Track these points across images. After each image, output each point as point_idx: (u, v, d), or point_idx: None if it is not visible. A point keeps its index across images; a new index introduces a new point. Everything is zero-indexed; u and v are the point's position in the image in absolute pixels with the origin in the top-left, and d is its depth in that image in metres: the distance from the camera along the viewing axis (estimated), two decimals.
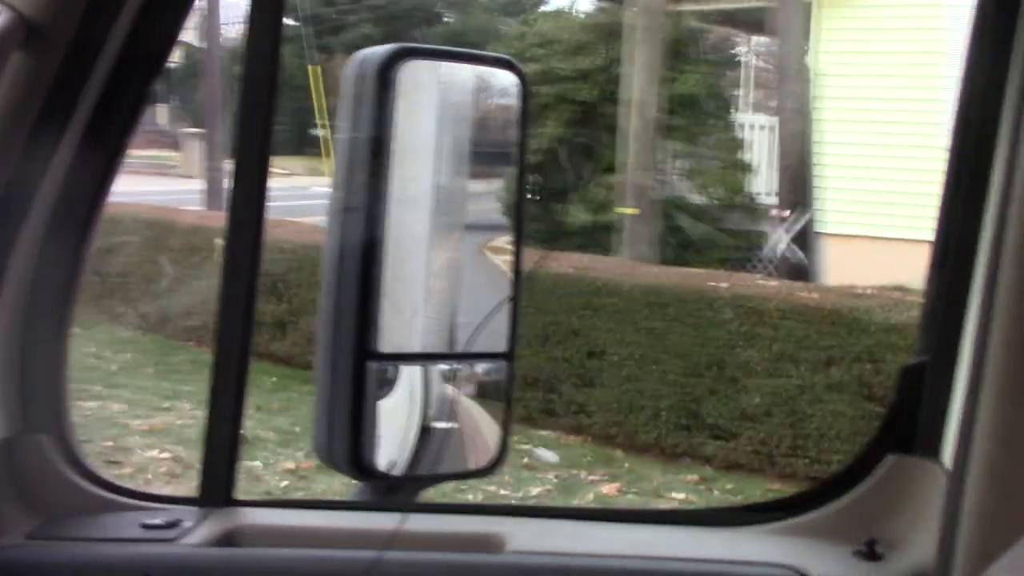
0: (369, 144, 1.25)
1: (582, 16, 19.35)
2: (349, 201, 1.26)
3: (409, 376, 1.32)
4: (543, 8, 28.57)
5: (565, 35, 16.90)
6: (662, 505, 7.56)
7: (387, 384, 1.30)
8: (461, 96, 1.34)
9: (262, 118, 1.72)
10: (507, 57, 1.36)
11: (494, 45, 22.30)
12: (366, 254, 1.24)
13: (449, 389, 1.34)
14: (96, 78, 1.61)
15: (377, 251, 1.24)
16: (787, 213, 14.09)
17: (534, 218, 14.22)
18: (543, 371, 9.08)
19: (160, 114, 36.72)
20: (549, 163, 15.00)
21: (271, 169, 1.71)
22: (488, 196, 1.39)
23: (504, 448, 1.39)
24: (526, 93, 1.35)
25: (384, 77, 1.24)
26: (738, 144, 16.69)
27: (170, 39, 1.68)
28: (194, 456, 7.11)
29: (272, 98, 1.73)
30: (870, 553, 1.70)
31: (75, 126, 1.62)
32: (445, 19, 39.15)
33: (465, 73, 1.35)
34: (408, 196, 1.27)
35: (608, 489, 7.95)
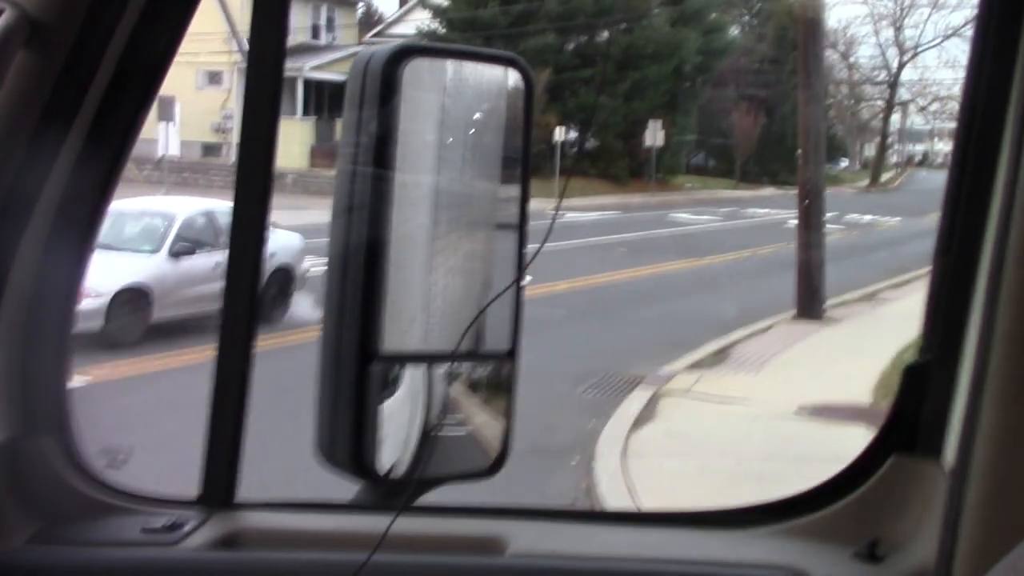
0: (373, 144, 1.24)
1: None
2: (352, 201, 1.25)
3: (412, 377, 1.31)
4: None
5: None
6: None
7: (390, 385, 1.29)
8: (471, 95, 1.32)
9: (266, 123, 1.70)
10: (512, 55, 1.34)
11: None
12: (369, 254, 1.24)
13: (452, 390, 1.33)
14: (101, 77, 1.60)
15: (380, 251, 1.24)
16: None
17: None
18: None
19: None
20: None
21: (275, 170, 1.71)
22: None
23: (506, 449, 1.38)
24: (531, 91, 1.33)
25: (388, 76, 1.24)
26: None
27: (175, 38, 1.67)
28: None
29: (276, 103, 1.70)
30: (871, 554, 1.69)
31: (79, 125, 1.61)
32: None
33: (472, 71, 1.33)
34: (412, 196, 1.27)
35: None
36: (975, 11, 1.60)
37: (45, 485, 1.72)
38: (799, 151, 18.03)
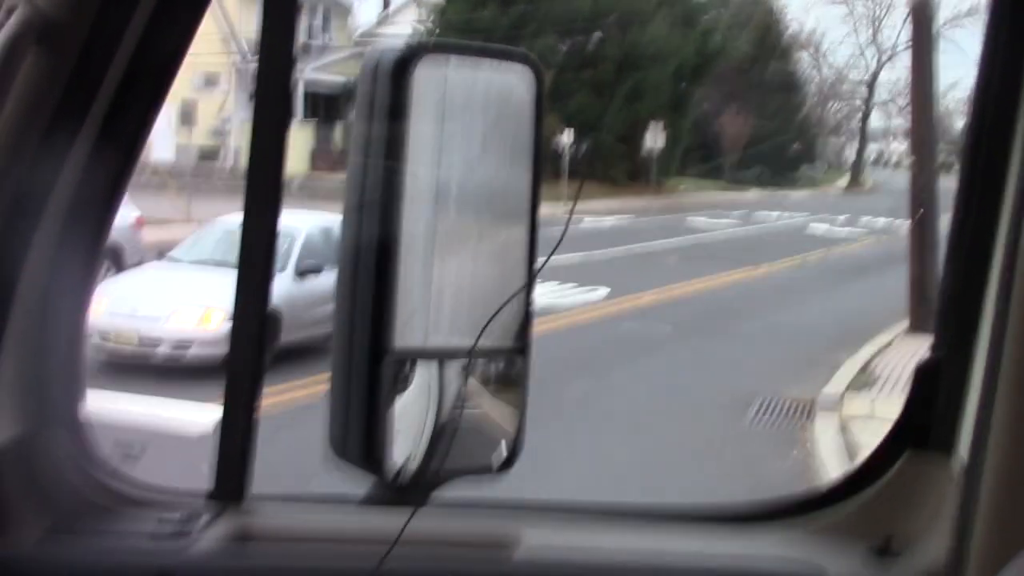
0: (384, 141, 1.23)
1: None
2: (364, 199, 1.24)
3: (425, 373, 1.30)
4: None
5: None
6: None
7: (402, 381, 1.28)
8: (482, 91, 1.30)
9: (276, 125, 1.69)
10: (523, 51, 1.33)
11: None
12: (381, 252, 1.23)
13: (464, 386, 1.32)
14: (112, 75, 1.58)
15: (392, 249, 1.23)
16: None
17: None
18: None
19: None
20: None
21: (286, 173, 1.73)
22: None
23: (518, 445, 1.36)
24: (541, 88, 1.32)
25: (399, 74, 1.23)
26: None
27: (186, 37, 1.66)
28: None
29: (287, 105, 1.70)
30: (886, 550, 1.69)
31: (91, 123, 1.59)
32: None
33: (483, 68, 1.31)
34: (423, 194, 1.26)
35: None
36: (966, 11, 1.64)
37: (58, 481, 1.71)
38: (912, 159, 17.73)
